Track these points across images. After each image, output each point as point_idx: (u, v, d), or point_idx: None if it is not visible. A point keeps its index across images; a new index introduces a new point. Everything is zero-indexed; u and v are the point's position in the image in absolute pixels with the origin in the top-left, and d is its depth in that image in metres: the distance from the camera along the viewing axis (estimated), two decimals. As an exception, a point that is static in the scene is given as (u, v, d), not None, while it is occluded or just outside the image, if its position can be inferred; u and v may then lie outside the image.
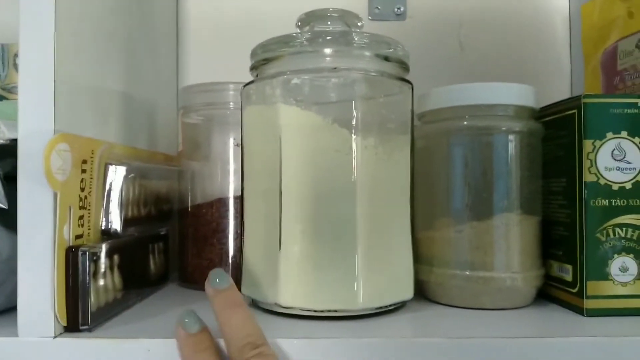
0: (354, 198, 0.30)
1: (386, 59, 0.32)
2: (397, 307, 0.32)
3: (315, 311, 0.30)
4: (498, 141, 0.33)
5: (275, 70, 0.32)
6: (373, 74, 0.32)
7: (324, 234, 0.30)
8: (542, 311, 0.33)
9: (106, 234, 0.32)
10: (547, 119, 0.35)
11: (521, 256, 0.33)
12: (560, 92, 0.51)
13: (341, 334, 0.27)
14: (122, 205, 0.33)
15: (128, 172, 0.34)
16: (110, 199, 0.33)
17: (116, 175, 0.33)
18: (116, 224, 0.33)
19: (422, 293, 0.35)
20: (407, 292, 0.32)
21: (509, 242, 0.33)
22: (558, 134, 0.34)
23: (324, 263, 0.30)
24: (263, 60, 0.33)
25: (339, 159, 0.30)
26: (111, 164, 0.33)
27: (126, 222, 0.33)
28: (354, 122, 0.30)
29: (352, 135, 0.30)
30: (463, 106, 0.34)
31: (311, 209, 0.30)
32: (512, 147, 0.33)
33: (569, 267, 0.32)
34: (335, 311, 0.30)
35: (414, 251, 0.34)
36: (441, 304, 0.34)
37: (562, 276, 0.33)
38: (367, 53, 0.32)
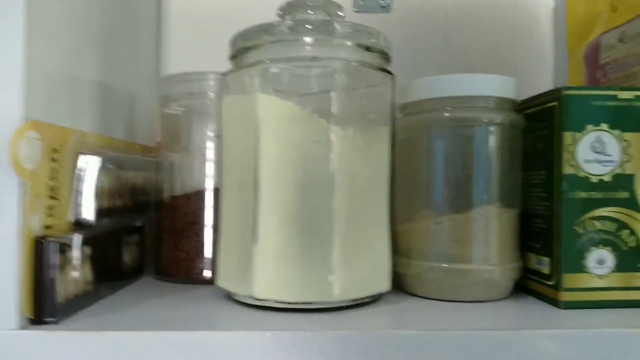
0: (331, 190, 0.29)
1: (368, 49, 0.32)
2: (373, 300, 0.32)
3: (289, 303, 0.29)
4: (479, 133, 0.33)
5: (254, 59, 0.32)
6: (354, 64, 0.31)
7: (300, 226, 0.29)
8: (519, 304, 0.33)
9: (78, 225, 0.31)
10: (528, 111, 0.35)
11: (499, 249, 0.33)
12: (544, 86, 0.50)
13: (316, 327, 0.27)
14: (95, 196, 0.32)
15: (102, 162, 0.33)
16: (82, 189, 0.32)
17: (89, 165, 0.32)
18: (88, 214, 0.32)
19: (400, 286, 0.35)
20: (384, 285, 0.32)
21: (488, 234, 0.33)
22: (538, 126, 0.34)
23: (299, 255, 0.29)
24: (242, 48, 0.32)
25: (317, 149, 0.30)
26: (84, 154, 0.32)
27: (99, 213, 0.33)
28: (333, 113, 0.30)
29: (332, 125, 0.30)
30: (444, 97, 0.34)
31: (288, 200, 0.29)
32: (492, 139, 0.33)
33: (546, 260, 0.32)
34: (310, 303, 0.29)
35: (393, 243, 0.33)
36: (418, 296, 0.34)
37: (540, 269, 0.33)
38: (349, 43, 0.31)
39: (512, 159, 0.34)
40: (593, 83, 0.42)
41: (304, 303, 0.29)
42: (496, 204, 0.33)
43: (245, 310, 0.30)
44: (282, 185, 0.30)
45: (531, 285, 0.34)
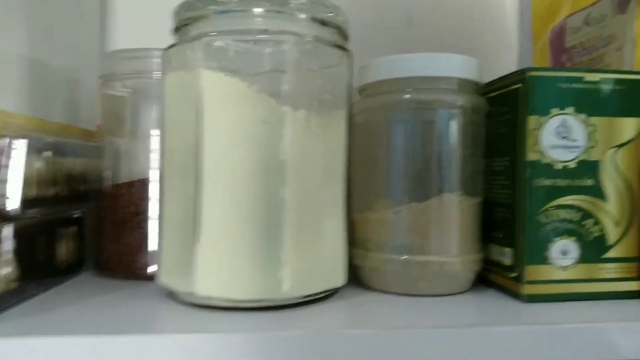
0: (282, 176, 0.27)
1: (323, 23, 0.30)
2: (328, 295, 0.30)
3: (236, 301, 0.27)
4: (440, 117, 0.31)
5: (198, 32, 0.29)
6: (308, 39, 0.29)
7: (247, 216, 0.27)
8: (480, 298, 0.31)
9: (1, 217, 0.28)
10: (492, 94, 0.33)
11: (460, 239, 0.31)
12: (509, 70, 0.50)
13: (264, 327, 0.25)
14: (22, 183, 0.29)
15: (30, 146, 0.29)
16: (7, 176, 0.28)
17: (13, 149, 0.29)
18: (13, 204, 0.29)
19: (358, 279, 0.33)
20: (339, 279, 0.30)
21: (448, 224, 0.31)
22: (502, 110, 0.32)
23: (246, 248, 0.27)
24: (185, 19, 0.29)
25: (266, 132, 0.27)
26: (7, 137, 0.29)
27: (27, 202, 0.29)
28: (284, 92, 0.27)
29: (282, 106, 0.27)
30: (403, 78, 0.32)
31: (233, 188, 0.27)
32: (454, 124, 0.31)
33: (509, 251, 0.31)
34: (259, 301, 0.27)
35: (350, 234, 0.31)
36: (376, 290, 0.32)
37: (502, 260, 0.32)
38: (303, 16, 0.29)
39: (475, 144, 0.32)
40: (558, 67, 0.41)
41: (251, 301, 0.27)
42: (457, 192, 0.31)
43: (188, 310, 0.28)
44: (227, 172, 0.27)
45: (493, 277, 0.33)
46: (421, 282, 0.31)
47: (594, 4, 0.38)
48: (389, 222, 0.31)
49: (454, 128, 0.31)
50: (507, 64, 0.49)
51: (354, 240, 0.33)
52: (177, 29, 0.30)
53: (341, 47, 0.31)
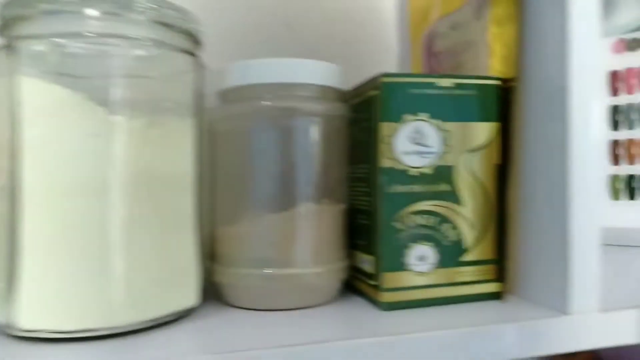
0: (114, 193, 0.25)
1: (168, 28, 0.27)
2: (177, 317, 0.28)
3: (65, 332, 0.24)
4: (299, 124, 0.30)
5: (18, 34, 0.26)
6: (147, 43, 0.27)
7: (73, 237, 0.24)
8: (343, 308, 0.30)
9: None
10: (354, 101, 0.33)
11: (322, 249, 0.30)
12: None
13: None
14: None
15: None
16: None
17: None
18: None
19: (220, 296, 0.31)
20: (190, 299, 0.28)
21: (309, 234, 0.30)
22: (362, 117, 0.32)
23: (73, 272, 0.24)
24: (9, 19, 0.26)
25: (94, 145, 0.25)
26: None
27: None
28: (116, 100, 0.25)
29: (114, 116, 0.25)
30: (263, 84, 0.30)
31: (57, 207, 0.24)
32: (314, 131, 0.30)
33: (370, 258, 0.30)
34: (92, 330, 0.24)
35: (212, 249, 0.30)
36: (238, 307, 0.30)
37: (364, 268, 0.31)
38: (142, 18, 0.27)
39: (337, 152, 0.31)
40: (430, 73, 0.42)
41: (83, 331, 0.24)
42: (318, 201, 0.30)
43: (12, 343, 0.24)
44: (49, 190, 0.24)
45: (359, 285, 0.32)
46: (283, 296, 0.29)
47: (459, 9, 0.38)
48: (247, 235, 0.30)
49: (314, 136, 0.30)
50: (389, 69, 0.50)
51: (216, 255, 0.31)
52: (1, 30, 0.27)
53: (189, 53, 0.29)
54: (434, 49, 0.41)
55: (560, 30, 0.28)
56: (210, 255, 0.31)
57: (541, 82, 0.29)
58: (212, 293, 0.31)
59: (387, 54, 0.50)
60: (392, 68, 0.50)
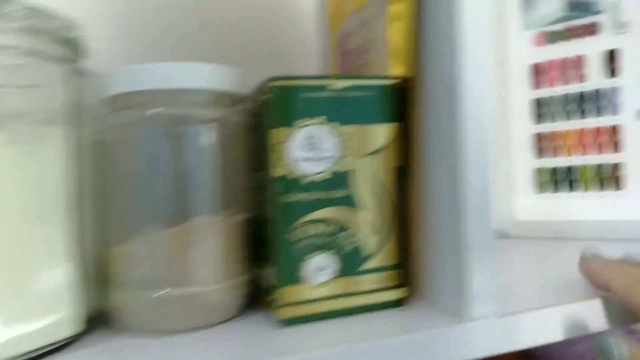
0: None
1: (40, 36, 0.25)
2: (54, 350, 0.26)
3: None
4: (190, 133, 0.28)
5: None
6: (11, 51, 0.24)
7: None
8: (244, 325, 0.28)
9: None
10: (252, 105, 0.31)
11: (222, 263, 0.29)
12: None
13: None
14: None
15: None
16: None
17: None
18: None
19: (113, 322, 0.29)
20: (64, 329, 0.26)
21: (207, 248, 0.28)
22: (260, 122, 0.30)
23: None
24: None
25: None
26: None
27: None
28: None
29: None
30: (151, 90, 0.28)
31: None
32: (206, 140, 0.28)
33: (269, 272, 0.29)
34: (-54, 371, 0.22)
35: (103, 272, 0.28)
36: (130, 332, 0.28)
37: (264, 281, 0.30)
38: (8, 25, 0.24)
39: (234, 160, 0.30)
40: (345, 72, 0.40)
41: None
42: (216, 213, 0.29)
43: None
44: None
45: (261, 300, 0.31)
46: (180, 317, 0.28)
47: (368, 4, 0.37)
48: (137, 253, 0.28)
49: (207, 144, 0.29)
50: (311, 69, 0.48)
51: (107, 277, 0.29)
52: None
53: (66, 60, 0.27)
54: (345, 48, 0.40)
55: (450, 26, 0.27)
56: (102, 278, 0.29)
57: (436, 81, 0.28)
58: (106, 319, 0.29)
59: (309, 53, 0.49)
60: (314, 68, 0.48)
